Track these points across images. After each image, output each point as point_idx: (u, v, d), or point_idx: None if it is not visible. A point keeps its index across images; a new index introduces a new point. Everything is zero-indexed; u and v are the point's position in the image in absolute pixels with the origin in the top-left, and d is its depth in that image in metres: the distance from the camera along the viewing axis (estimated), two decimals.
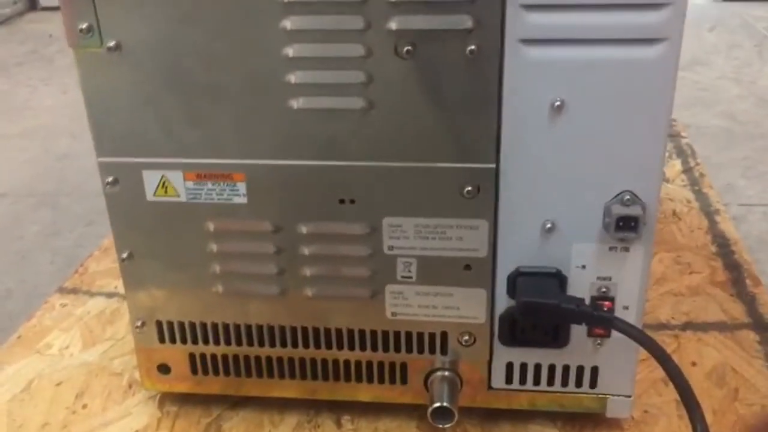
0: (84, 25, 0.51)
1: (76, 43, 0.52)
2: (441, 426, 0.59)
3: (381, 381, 0.62)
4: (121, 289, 0.82)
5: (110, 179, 0.57)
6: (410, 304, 0.59)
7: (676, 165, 1.06)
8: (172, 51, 0.52)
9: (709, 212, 0.95)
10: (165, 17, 0.51)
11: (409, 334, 0.60)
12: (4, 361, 0.72)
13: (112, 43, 0.52)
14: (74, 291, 0.83)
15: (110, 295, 0.82)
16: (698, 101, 1.52)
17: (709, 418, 0.63)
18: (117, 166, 0.56)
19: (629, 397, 0.61)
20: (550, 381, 0.61)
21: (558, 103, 0.50)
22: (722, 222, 0.92)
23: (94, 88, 0.54)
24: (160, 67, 0.53)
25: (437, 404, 0.58)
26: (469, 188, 0.54)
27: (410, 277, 0.58)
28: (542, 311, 0.55)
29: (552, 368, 0.60)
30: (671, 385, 0.64)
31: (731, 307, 0.77)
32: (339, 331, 0.61)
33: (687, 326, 0.74)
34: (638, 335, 0.52)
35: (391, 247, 0.57)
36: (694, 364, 0.69)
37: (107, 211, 0.58)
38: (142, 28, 0.52)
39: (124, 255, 0.59)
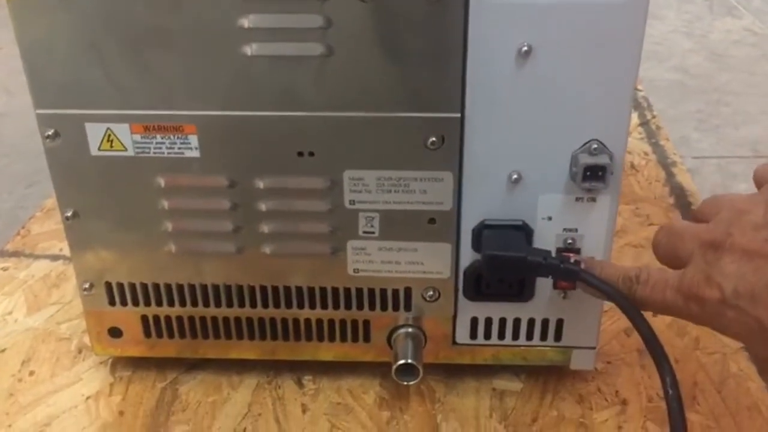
0: None
1: None
2: (405, 383, 0.58)
3: (343, 339, 0.61)
4: (67, 252, 0.79)
5: (50, 132, 0.53)
6: (373, 260, 0.57)
7: (633, 118, 1.06)
8: None
9: (666, 164, 0.95)
10: None
11: (372, 291, 0.58)
12: None
13: None
14: (16, 254, 0.79)
15: (55, 258, 0.78)
16: (652, 55, 1.52)
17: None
18: (57, 118, 0.52)
19: (593, 348, 0.60)
20: (515, 335, 0.60)
21: (525, 48, 0.48)
22: (679, 174, 0.92)
23: (29, 35, 0.50)
24: (101, 10, 0.49)
25: (402, 361, 0.57)
26: (433, 139, 0.52)
27: (373, 233, 0.56)
28: (508, 265, 0.53)
29: (517, 322, 0.59)
30: (634, 335, 0.64)
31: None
32: (299, 289, 0.58)
33: None
34: (603, 286, 0.51)
35: (352, 201, 0.54)
36: (655, 314, 0.69)
37: (48, 168, 0.55)
38: None
39: (68, 213, 0.56)
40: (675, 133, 1.21)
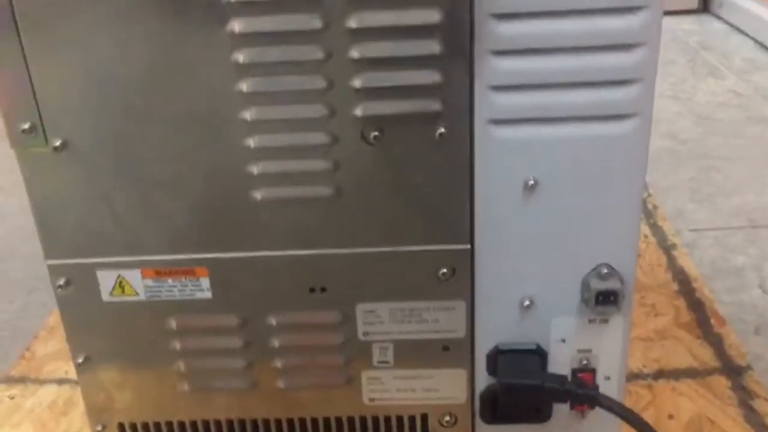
0: (26, 126, 0.48)
1: (18, 144, 0.49)
2: None
3: None
4: (73, 375, 0.77)
5: (62, 282, 0.53)
6: (388, 389, 0.56)
7: None
8: (125, 146, 0.49)
9: (666, 247, 0.95)
10: (114, 112, 0.48)
11: (387, 419, 0.58)
12: None
13: (58, 143, 0.48)
14: (22, 380, 0.78)
15: (61, 382, 0.77)
16: None
17: None
18: (69, 268, 0.53)
19: None
20: None
21: (531, 182, 0.49)
22: (680, 257, 0.93)
23: (40, 188, 0.50)
24: (111, 162, 0.49)
25: None
26: (444, 270, 0.52)
27: (387, 362, 0.55)
28: (525, 391, 0.53)
29: None
30: None
31: (700, 351, 0.77)
32: (314, 421, 0.58)
33: (659, 375, 0.74)
34: (622, 412, 0.51)
35: (366, 333, 0.54)
36: (671, 416, 0.69)
37: (60, 314, 0.54)
38: (91, 125, 0.48)
39: (80, 360, 0.56)
40: (670, 205, 1.22)
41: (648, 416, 0.69)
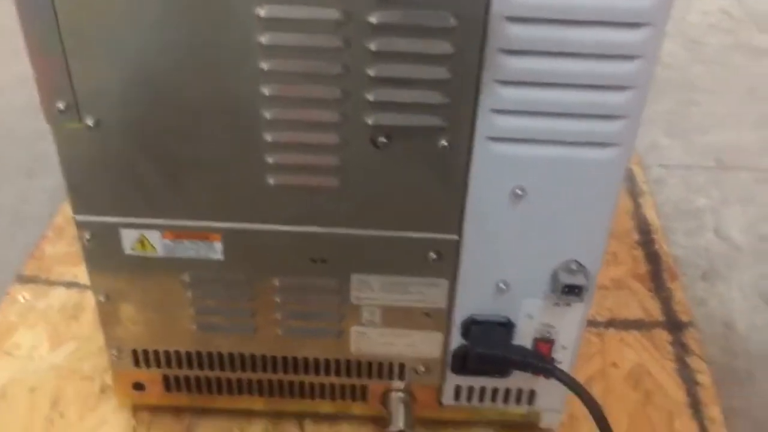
0: (62, 105, 0.52)
1: (53, 121, 0.53)
2: None
3: (342, 398, 0.69)
4: (81, 278, 0.85)
5: (88, 236, 0.58)
6: (373, 343, 0.64)
7: None
8: (152, 126, 0.53)
9: (635, 193, 1.02)
10: (143, 95, 0.52)
11: (369, 364, 0.66)
12: None
13: (91, 122, 0.52)
14: (34, 280, 0.85)
15: (69, 285, 0.84)
16: None
17: (624, 422, 0.73)
18: (95, 224, 0.58)
19: (560, 411, 0.70)
20: (493, 400, 0.69)
21: (519, 191, 0.55)
22: (645, 206, 1.00)
23: (72, 157, 0.55)
24: (139, 141, 0.54)
25: (395, 428, 0.66)
26: (433, 255, 0.58)
27: (374, 322, 0.63)
28: (494, 360, 0.62)
29: (495, 391, 0.68)
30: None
31: (649, 304, 0.86)
32: (306, 360, 0.66)
33: (610, 324, 0.83)
34: (574, 387, 0.60)
35: (357, 298, 0.62)
36: (615, 365, 0.79)
37: (85, 261, 0.60)
38: (121, 106, 0.52)
39: (101, 298, 0.62)
40: (646, 139, 1.28)
41: (595, 363, 0.79)
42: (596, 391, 0.76)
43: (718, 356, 0.92)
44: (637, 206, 1.00)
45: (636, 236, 0.95)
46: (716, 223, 1.14)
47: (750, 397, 0.88)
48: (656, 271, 0.90)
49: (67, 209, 0.94)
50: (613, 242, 0.94)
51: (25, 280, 0.85)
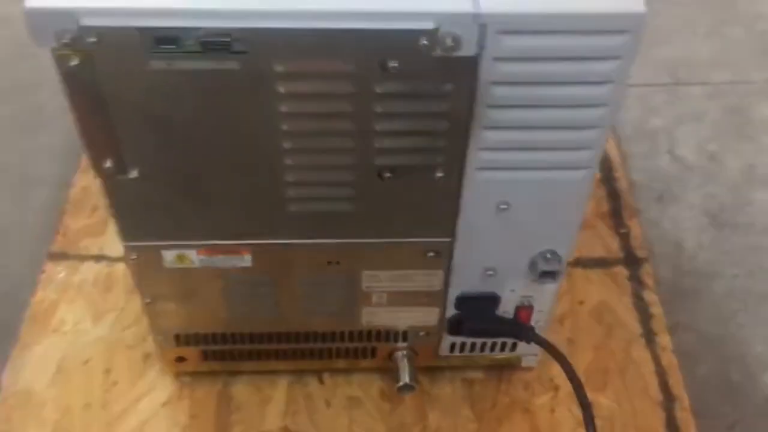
0: (110, 164, 0.59)
1: (102, 175, 0.60)
2: (405, 395, 0.80)
3: (354, 357, 0.82)
4: (106, 251, 0.94)
5: (134, 256, 0.68)
6: (381, 318, 0.76)
7: None
8: (186, 172, 0.61)
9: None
10: (178, 149, 0.60)
11: (378, 332, 0.78)
12: (30, 342, 0.86)
13: (134, 174, 0.61)
14: (64, 256, 0.94)
15: (98, 259, 0.93)
16: None
17: (589, 354, 0.87)
18: (139, 248, 0.67)
19: (536, 355, 0.83)
20: (482, 350, 0.82)
21: (503, 206, 0.65)
22: (610, 145, 1.10)
23: (118, 200, 0.63)
24: (174, 185, 0.62)
25: (403, 383, 0.79)
26: (431, 254, 0.69)
27: (381, 303, 0.74)
28: (483, 330, 0.74)
29: (483, 344, 0.81)
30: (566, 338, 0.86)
31: (611, 242, 0.98)
32: (323, 333, 0.78)
33: (577, 263, 0.95)
34: (549, 348, 0.73)
35: (368, 287, 0.73)
36: (581, 302, 0.92)
37: (131, 274, 0.70)
38: (160, 162, 0.60)
39: (147, 300, 0.72)
40: None
41: (564, 302, 0.92)
42: (566, 328, 0.89)
43: (669, 275, 1.06)
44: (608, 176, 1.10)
45: (599, 174, 1.06)
46: (670, 143, 1.25)
47: (695, 311, 1.03)
48: (616, 208, 1.02)
49: (81, 179, 1.02)
50: None
51: (56, 257, 0.94)
